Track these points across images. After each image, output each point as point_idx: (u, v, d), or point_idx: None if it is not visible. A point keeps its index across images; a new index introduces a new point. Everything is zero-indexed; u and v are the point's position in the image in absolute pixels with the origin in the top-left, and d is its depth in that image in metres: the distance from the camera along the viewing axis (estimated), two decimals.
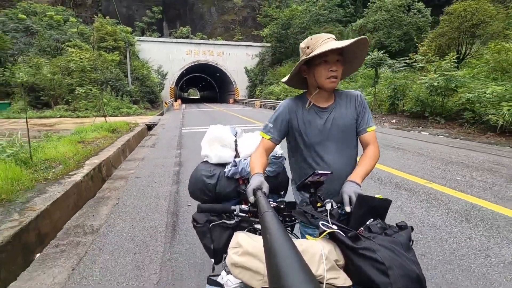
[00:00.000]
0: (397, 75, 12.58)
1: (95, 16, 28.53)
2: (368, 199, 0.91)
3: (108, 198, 3.65)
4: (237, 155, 1.48)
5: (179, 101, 30.71)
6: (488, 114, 7.79)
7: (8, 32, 20.90)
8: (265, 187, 0.97)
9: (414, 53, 13.27)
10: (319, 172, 0.94)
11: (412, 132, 8.86)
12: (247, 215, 0.98)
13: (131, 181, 4.35)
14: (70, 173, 3.78)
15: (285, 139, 1.30)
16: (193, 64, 32.99)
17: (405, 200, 3.34)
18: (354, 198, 0.95)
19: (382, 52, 14.81)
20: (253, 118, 14.60)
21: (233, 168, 1.38)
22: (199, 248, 2.22)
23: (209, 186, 1.39)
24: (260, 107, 24.25)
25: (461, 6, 12.70)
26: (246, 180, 1.40)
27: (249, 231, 1.05)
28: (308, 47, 1.12)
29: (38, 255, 2.36)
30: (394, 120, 11.12)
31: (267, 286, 0.75)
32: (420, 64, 11.90)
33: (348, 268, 0.80)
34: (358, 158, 1.23)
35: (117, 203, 3.47)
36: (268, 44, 31.73)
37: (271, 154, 1.36)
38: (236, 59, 34.15)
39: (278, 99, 22.32)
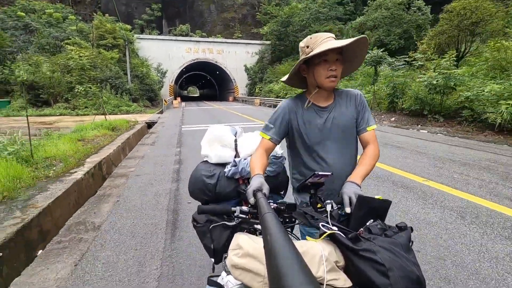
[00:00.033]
0: (396, 73, 12.60)
1: (94, 14, 28.44)
2: (368, 200, 0.91)
3: (109, 196, 3.70)
4: (237, 155, 1.48)
5: (178, 99, 30.68)
6: (486, 112, 7.83)
7: (7, 30, 20.86)
8: (265, 188, 0.97)
9: (413, 51, 13.27)
10: (320, 173, 0.94)
11: (411, 130, 8.90)
12: (247, 217, 0.97)
13: (132, 179, 4.40)
14: (71, 171, 3.82)
15: (284, 139, 1.30)
16: (193, 62, 32.95)
17: (402, 198, 3.38)
18: (354, 199, 0.95)
19: (381, 50, 14.83)
20: (252, 116, 14.63)
21: (233, 168, 1.38)
22: (198, 245, 2.26)
23: (209, 186, 1.39)
24: (260, 105, 24.26)
25: (461, 4, 12.69)
26: (246, 180, 1.39)
27: (249, 231, 1.05)
28: (307, 46, 1.11)
29: (40, 251, 2.41)
30: (393, 118, 11.16)
31: None
32: (420, 63, 11.92)
33: (348, 269, 0.80)
34: (358, 157, 1.22)
35: (118, 200, 3.52)
36: (268, 42, 31.69)
37: (271, 154, 1.36)
38: (235, 57, 34.11)
39: (277, 97, 22.35)
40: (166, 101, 21.30)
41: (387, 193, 3.55)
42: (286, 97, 19.66)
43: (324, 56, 1.08)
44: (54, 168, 3.85)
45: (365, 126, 1.22)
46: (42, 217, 2.61)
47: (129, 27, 27.73)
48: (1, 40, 18.65)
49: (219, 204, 1.41)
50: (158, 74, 28.42)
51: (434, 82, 9.37)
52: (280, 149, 1.48)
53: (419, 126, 9.58)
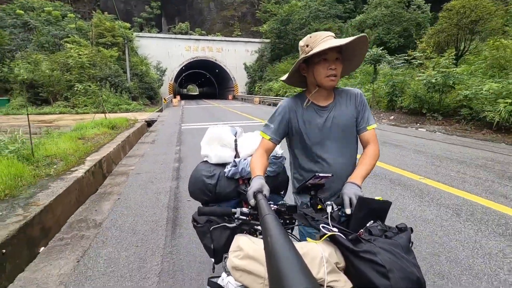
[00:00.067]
0: (395, 72, 12.63)
1: (93, 12, 28.36)
2: (369, 201, 0.91)
3: (109, 194, 3.74)
4: (237, 155, 1.47)
5: (178, 97, 30.67)
6: (484, 111, 7.88)
7: (6, 28, 20.79)
8: (266, 190, 0.96)
9: (412, 50, 13.28)
10: (320, 175, 0.94)
11: (410, 129, 8.95)
12: (247, 218, 0.97)
13: (132, 177, 4.44)
14: (72, 169, 3.85)
15: (285, 138, 1.30)
16: (192, 60, 32.90)
17: (399, 196, 3.43)
18: (354, 200, 0.94)
19: (381, 48, 14.84)
20: (252, 114, 14.65)
21: (233, 168, 1.38)
22: (198, 242, 2.29)
23: (209, 187, 1.38)
24: (259, 103, 24.27)
25: (460, 3, 12.69)
26: (246, 180, 1.39)
27: (249, 232, 1.06)
28: (307, 45, 1.10)
29: (42, 248, 2.45)
30: (392, 117, 11.20)
31: None
32: (419, 61, 11.94)
33: (348, 271, 0.81)
34: (358, 157, 1.23)
35: (118, 198, 3.56)
36: (267, 40, 31.63)
37: (271, 154, 1.35)
38: (235, 55, 34.05)
39: (277, 95, 22.35)
40: (165, 100, 21.29)
41: (385, 191, 3.60)
42: (286, 95, 19.71)
43: (323, 55, 1.08)
44: (54, 166, 3.88)
45: (365, 125, 1.22)
46: (43, 215, 2.64)
47: (128, 25, 27.63)
48: (0, 38, 18.60)
49: (219, 204, 1.42)
50: (158, 73, 28.40)
51: (433, 80, 9.40)
52: (280, 149, 1.48)
53: (418, 124, 9.62)
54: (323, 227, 0.83)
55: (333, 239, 0.82)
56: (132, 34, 26.74)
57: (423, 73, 10.16)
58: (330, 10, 27.04)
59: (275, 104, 20.40)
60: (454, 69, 9.67)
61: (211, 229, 1.16)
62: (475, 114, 8.38)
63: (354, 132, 1.23)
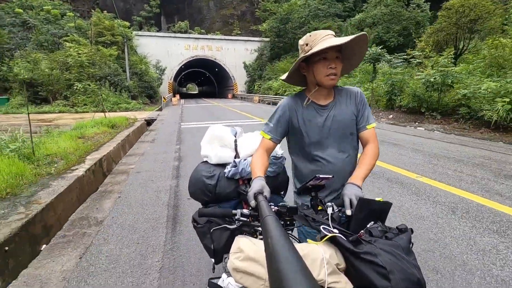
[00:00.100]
0: (394, 71, 12.66)
1: (93, 11, 28.31)
2: (369, 202, 0.91)
3: (110, 192, 3.77)
4: (237, 155, 1.47)
5: (177, 96, 30.66)
6: (482, 110, 7.92)
7: (4, 27, 20.73)
8: (266, 191, 0.96)
9: (412, 49, 13.31)
10: (321, 176, 0.93)
11: (408, 128, 8.99)
12: (248, 219, 0.97)
13: (132, 175, 4.47)
14: (72, 168, 3.88)
15: (285, 138, 1.30)
16: (192, 59, 32.85)
17: (396, 194, 3.48)
18: (355, 201, 0.94)
19: (380, 47, 14.87)
20: (251, 113, 14.68)
21: (233, 168, 1.37)
22: (198, 239, 2.35)
23: (209, 187, 1.38)
24: (259, 102, 24.29)
25: (459, 2, 12.70)
26: (246, 180, 1.39)
27: (249, 233, 1.06)
28: (306, 44, 1.10)
29: (44, 246, 2.48)
30: (391, 116, 11.24)
31: None
32: (418, 60, 11.97)
33: (349, 272, 0.81)
34: (358, 156, 1.23)
35: (119, 196, 3.60)
36: (267, 39, 31.61)
37: (271, 154, 1.35)
38: (234, 54, 34.02)
39: (276, 94, 22.35)
40: (165, 99, 21.29)
41: (382, 189, 3.65)
42: (285, 94, 19.72)
43: (323, 54, 1.07)
44: (55, 165, 3.91)
45: (365, 124, 1.22)
46: (45, 213, 2.68)
47: (127, 24, 27.58)
48: None
49: (220, 204, 1.42)
50: (157, 71, 28.37)
51: (432, 79, 9.44)
52: (280, 150, 1.48)
53: (417, 123, 9.66)
54: (323, 228, 0.83)
55: (333, 241, 0.82)
56: (132, 33, 26.69)
57: (422, 72, 10.20)
58: (329, 9, 27.02)
59: (274, 103, 20.42)
60: (453, 68, 9.70)
61: (211, 230, 1.16)
62: (473, 113, 8.43)
63: (354, 130, 1.23)
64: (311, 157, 1.22)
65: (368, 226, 0.87)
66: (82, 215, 3.08)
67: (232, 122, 11.11)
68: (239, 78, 34.47)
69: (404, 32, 20.14)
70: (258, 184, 0.99)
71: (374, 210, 0.91)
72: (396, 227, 0.87)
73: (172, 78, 32.28)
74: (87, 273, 2.07)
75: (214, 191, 1.38)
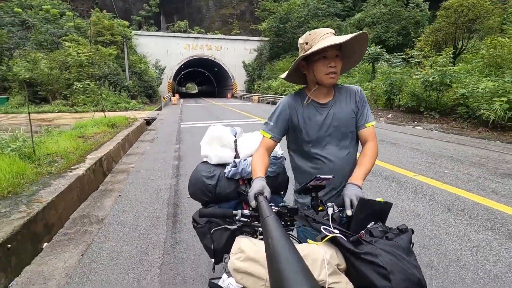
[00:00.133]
0: (393, 70, 12.71)
1: (92, 10, 28.29)
2: (370, 202, 0.91)
3: (111, 191, 3.81)
4: (237, 155, 1.47)
5: (177, 95, 30.67)
6: (481, 109, 7.97)
7: (4, 26, 20.69)
8: (267, 192, 0.96)
9: (411, 48, 13.35)
10: (321, 176, 0.93)
11: (407, 127, 9.04)
12: (248, 220, 0.97)
13: (132, 174, 4.51)
14: (73, 167, 3.92)
15: (285, 137, 1.30)
16: (191, 58, 32.86)
17: (393, 192, 3.53)
18: (355, 202, 0.94)
19: (379, 47, 14.89)
20: (251, 112, 14.71)
21: (233, 168, 1.37)
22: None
23: (209, 187, 1.38)
24: (258, 101, 24.32)
25: (458, 1, 12.75)
26: (246, 180, 1.39)
27: (249, 233, 1.06)
28: (306, 43, 1.09)
29: (45, 244, 2.52)
30: (390, 115, 11.29)
31: None
32: (417, 60, 12.01)
33: (349, 272, 0.81)
34: (358, 154, 1.24)
35: (119, 195, 3.64)
36: (266, 38, 31.62)
37: (271, 154, 1.34)
38: (234, 53, 34.04)
39: (276, 93, 22.38)
40: (164, 98, 21.31)
41: (379, 187, 3.69)
42: (285, 93, 19.74)
43: (323, 53, 1.07)
44: (56, 164, 3.95)
45: (364, 123, 1.22)
46: (46, 211, 2.71)
47: (127, 23, 27.55)
48: None
49: (220, 204, 1.42)
50: (157, 71, 28.38)
51: (430, 79, 9.48)
52: (280, 149, 1.48)
53: (415, 122, 9.71)
54: (324, 228, 0.83)
55: (334, 241, 0.83)
56: (131, 32, 26.68)
57: (421, 71, 10.24)
58: (329, 8, 27.05)
59: (274, 103, 20.46)
60: (452, 67, 9.75)
61: (212, 231, 1.17)
62: (472, 113, 8.48)
63: (354, 129, 1.23)
64: (310, 155, 1.22)
65: (368, 226, 0.87)
66: (83, 213, 3.12)
67: (232, 121, 11.15)
68: (239, 78, 34.49)
69: (403, 32, 20.19)
70: (259, 184, 0.99)
71: (375, 211, 0.91)
72: (397, 228, 0.87)
73: (172, 78, 32.29)
74: (89, 270, 2.11)
75: (214, 191, 1.38)
